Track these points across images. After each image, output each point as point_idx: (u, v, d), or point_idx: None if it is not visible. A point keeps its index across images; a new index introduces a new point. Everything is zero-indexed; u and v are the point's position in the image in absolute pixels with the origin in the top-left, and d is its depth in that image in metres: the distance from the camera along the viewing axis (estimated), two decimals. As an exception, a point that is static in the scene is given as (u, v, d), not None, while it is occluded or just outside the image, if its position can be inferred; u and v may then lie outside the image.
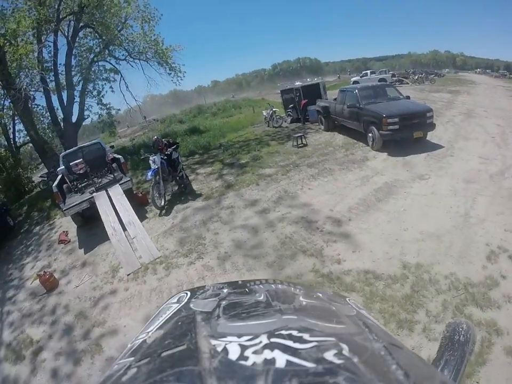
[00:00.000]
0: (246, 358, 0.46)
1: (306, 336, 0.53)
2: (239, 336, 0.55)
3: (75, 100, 15.73)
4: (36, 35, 13.89)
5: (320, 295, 0.89)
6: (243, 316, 0.67)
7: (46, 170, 17.27)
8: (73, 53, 15.39)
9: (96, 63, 16.49)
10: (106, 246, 6.62)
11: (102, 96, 16.61)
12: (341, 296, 1.01)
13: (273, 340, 0.51)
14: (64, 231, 8.25)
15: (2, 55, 13.14)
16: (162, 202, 7.53)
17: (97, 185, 7.91)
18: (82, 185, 8.60)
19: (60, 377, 3.84)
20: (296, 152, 9.63)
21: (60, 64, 15.39)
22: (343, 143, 9.73)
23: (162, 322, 0.76)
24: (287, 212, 6.02)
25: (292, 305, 0.75)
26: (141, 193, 8.70)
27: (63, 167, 9.23)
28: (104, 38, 15.32)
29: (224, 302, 0.77)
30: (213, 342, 0.53)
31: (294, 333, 0.54)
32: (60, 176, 8.61)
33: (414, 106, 8.76)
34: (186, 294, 0.94)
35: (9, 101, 15.43)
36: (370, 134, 8.48)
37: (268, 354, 0.47)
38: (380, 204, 5.68)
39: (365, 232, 4.90)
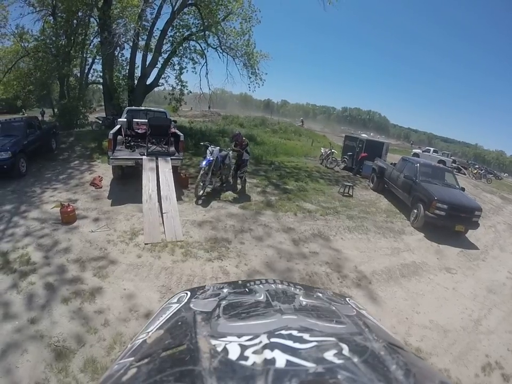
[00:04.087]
0: (246, 358, 0.47)
1: (306, 336, 0.53)
2: (239, 336, 0.55)
3: (156, 65, 16.37)
4: None
5: (320, 295, 0.89)
6: (243, 316, 0.68)
7: (103, 115, 18.05)
8: (173, 23, 16.11)
9: (188, 41, 17.11)
10: (134, 208, 6.77)
11: (182, 72, 17.07)
12: (341, 296, 1.00)
13: (273, 339, 0.52)
14: (99, 176, 8.49)
15: None
16: (202, 192, 7.65)
17: (149, 150, 8.12)
18: (135, 143, 8.85)
19: (40, 306, 3.78)
20: (340, 199, 9.57)
21: (156, 29, 16.24)
22: (386, 208, 9.60)
23: (162, 322, 0.77)
24: (315, 252, 6.02)
25: (292, 305, 0.76)
26: (184, 175, 8.82)
27: (125, 120, 9.54)
28: (204, 21, 15.94)
29: (224, 302, 0.78)
30: (213, 342, 0.53)
31: (294, 333, 0.54)
32: (118, 126, 8.87)
33: (466, 200, 8.57)
34: (186, 294, 0.95)
35: (99, 39, 16.34)
36: (415, 210, 8.35)
37: (268, 354, 0.47)
38: (402, 280, 5.63)
39: (380, 299, 4.87)
